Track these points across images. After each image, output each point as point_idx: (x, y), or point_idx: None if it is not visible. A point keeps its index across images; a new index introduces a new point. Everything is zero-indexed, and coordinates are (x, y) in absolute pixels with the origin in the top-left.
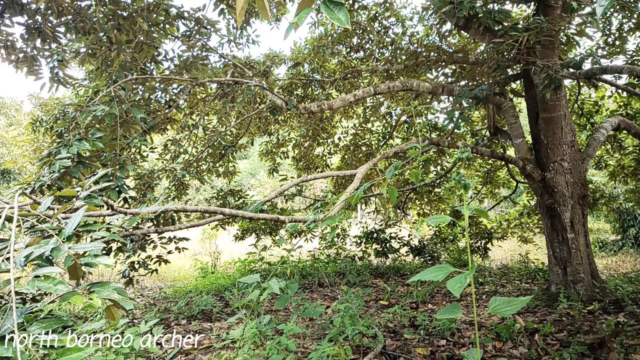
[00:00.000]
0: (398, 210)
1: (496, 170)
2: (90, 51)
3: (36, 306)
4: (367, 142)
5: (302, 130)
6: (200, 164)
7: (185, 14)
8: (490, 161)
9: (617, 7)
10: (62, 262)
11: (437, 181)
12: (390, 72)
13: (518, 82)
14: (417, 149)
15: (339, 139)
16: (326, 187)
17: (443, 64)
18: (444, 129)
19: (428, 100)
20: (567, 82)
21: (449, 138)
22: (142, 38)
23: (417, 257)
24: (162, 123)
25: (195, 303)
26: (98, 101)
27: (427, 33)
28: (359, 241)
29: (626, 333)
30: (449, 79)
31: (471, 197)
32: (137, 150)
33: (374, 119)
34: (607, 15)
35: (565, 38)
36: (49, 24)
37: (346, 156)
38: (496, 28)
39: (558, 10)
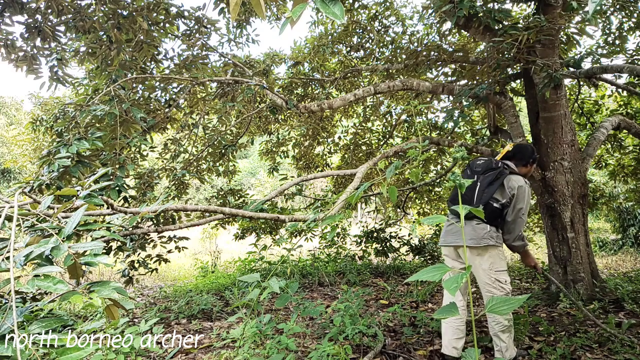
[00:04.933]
0: (398, 210)
1: None
2: (90, 50)
3: (36, 305)
4: (367, 142)
5: (302, 130)
6: (200, 163)
7: (186, 13)
8: None
9: (617, 6)
10: (62, 261)
11: (437, 180)
12: (390, 71)
13: (518, 81)
14: (417, 148)
15: (339, 138)
16: (326, 186)
17: (443, 63)
18: (443, 128)
19: (428, 99)
20: (567, 81)
21: (449, 137)
22: (142, 37)
23: (417, 257)
24: (162, 122)
25: (195, 302)
26: (98, 100)
27: (427, 32)
28: (359, 240)
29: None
30: (449, 78)
31: None
32: (137, 149)
33: (374, 118)
34: (607, 14)
35: (565, 37)
36: (49, 23)
37: (346, 155)
38: (496, 27)
39: (558, 10)
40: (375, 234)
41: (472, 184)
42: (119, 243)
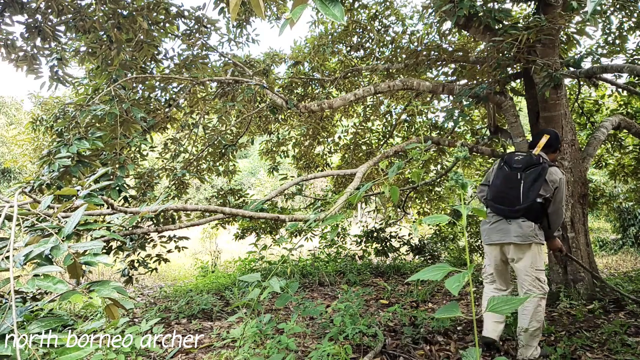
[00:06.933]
0: (398, 209)
1: None
2: (90, 50)
3: (36, 305)
4: (368, 141)
5: (302, 129)
6: (200, 163)
7: (186, 13)
8: (490, 160)
9: (617, 6)
10: (62, 260)
11: (437, 180)
12: (390, 70)
13: (518, 80)
14: (420, 148)
15: (339, 137)
16: (326, 186)
17: (443, 62)
18: (443, 127)
19: (428, 99)
20: (567, 81)
21: (449, 137)
22: (142, 37)
23: (417, 256)
24: (162, 122)
25: (195, 302)
26: (98, 100)
27: (427, 32)
28: (359, 240)
29: (627, 332)
30: (449, 78)
31: (471, 196)
32: (137, 149)
33: (374, 117)
34: (607, 14)
35: (565, 37)
36: (49, 23)
37: (346, 155)
38: (496, 27)
39: (558, 9)
40: (375, 234)
41: (514, 182)
42: (119, 243)
